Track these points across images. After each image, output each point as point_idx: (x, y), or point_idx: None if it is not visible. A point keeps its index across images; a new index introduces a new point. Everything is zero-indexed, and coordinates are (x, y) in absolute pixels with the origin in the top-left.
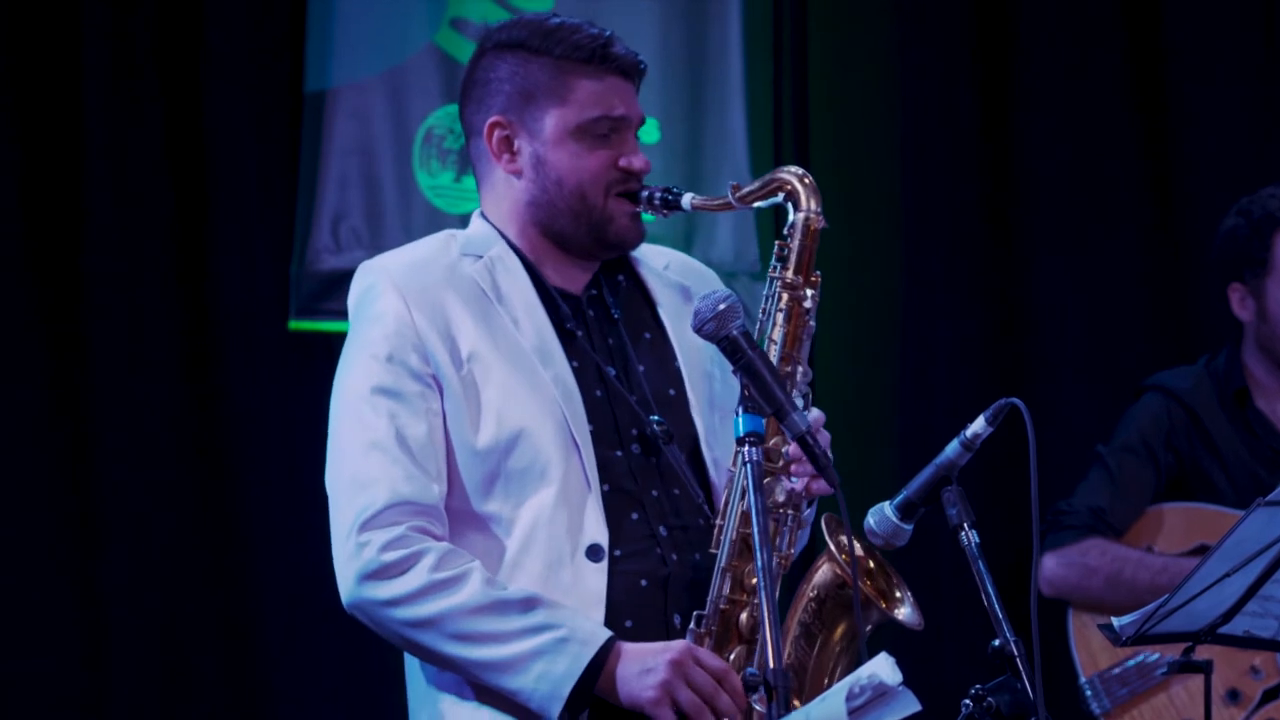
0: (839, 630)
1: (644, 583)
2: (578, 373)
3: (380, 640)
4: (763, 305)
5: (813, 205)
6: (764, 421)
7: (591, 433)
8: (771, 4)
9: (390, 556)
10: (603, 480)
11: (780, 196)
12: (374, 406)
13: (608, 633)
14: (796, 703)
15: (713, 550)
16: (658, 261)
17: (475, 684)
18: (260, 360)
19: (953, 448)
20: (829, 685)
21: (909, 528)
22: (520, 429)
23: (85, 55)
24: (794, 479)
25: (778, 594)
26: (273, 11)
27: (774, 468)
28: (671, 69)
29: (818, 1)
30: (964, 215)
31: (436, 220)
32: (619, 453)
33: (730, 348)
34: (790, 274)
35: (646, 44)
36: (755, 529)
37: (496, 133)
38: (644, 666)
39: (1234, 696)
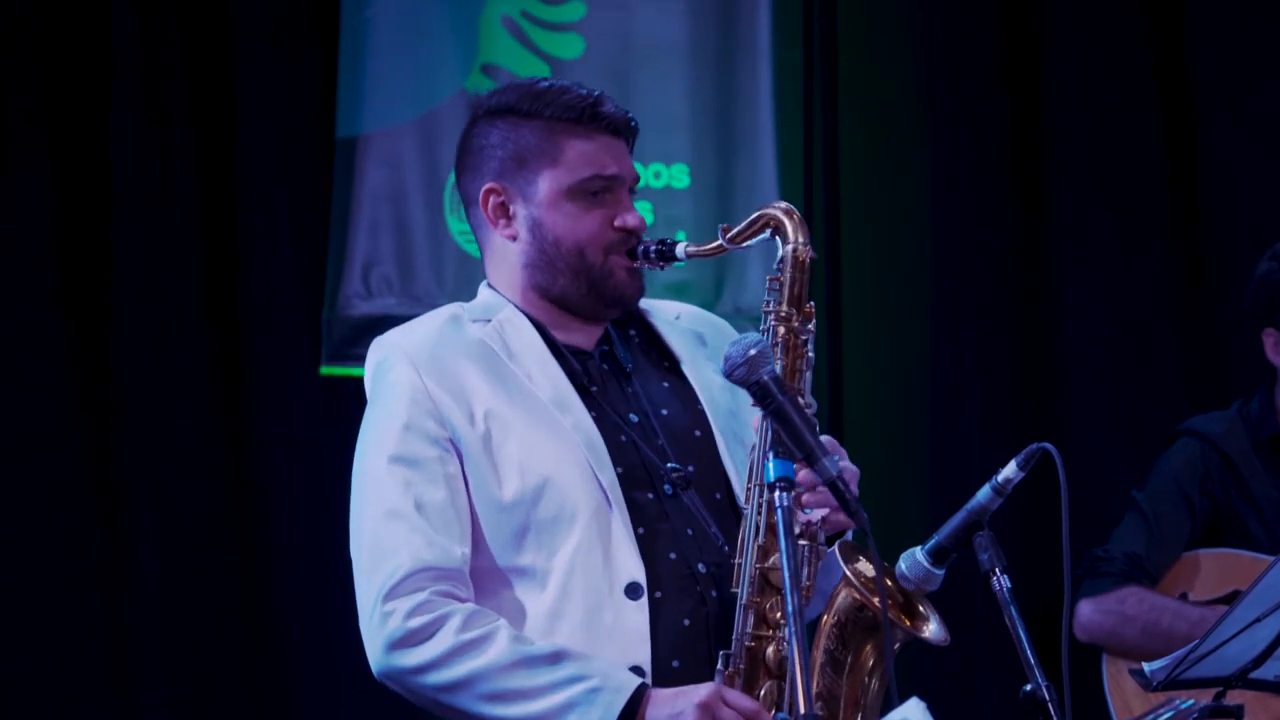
0: (864, 652)
1: (686, 622)
2: (598, 421)
3: None
4: None
5: (800, 237)
6: (794, 466)
7: (619, 475)
8: (801, 43)
9: (416, 623)
10: (636, 523)
11: (768, 232)
12: (391, 475)
13: (637, 680)
14: None
15: (733, 589)
16: (669, 312)
17: None
18: (291, 405)
19: (984, 493)
20: (863, 707)
21: (941, 573)
22: (545, 478)
23: (116, 99)
24: (808, 510)
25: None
26: (304, 58)
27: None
28: (702, 112)
29: (847, 39)
30: (995, 255)
31: (467, 266)
32: (650, 494)
33: (761, 393)
34: (784, 307)
35: (676, 89)
36: (786, 573)
37: (492, 199)
38: (674, 710)
39: None
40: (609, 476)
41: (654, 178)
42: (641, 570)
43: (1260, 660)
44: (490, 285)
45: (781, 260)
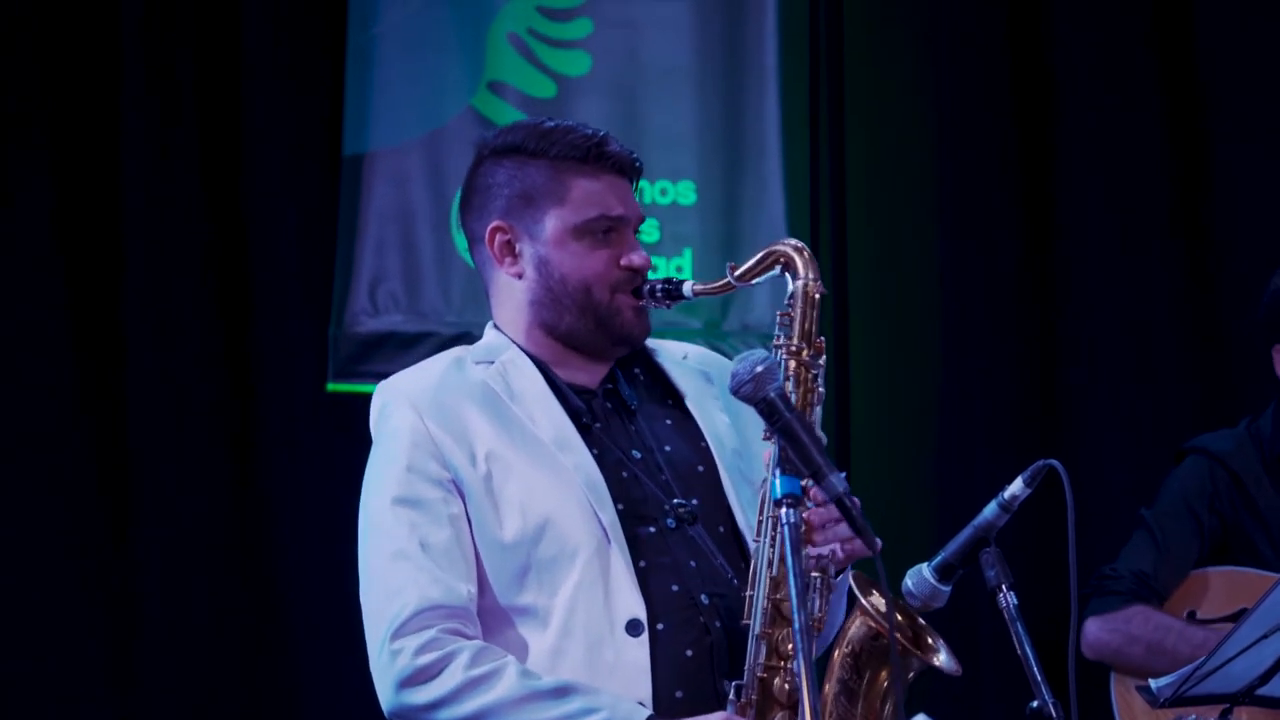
0: (879, 678)
1: (689, 653)
2: (599, 459)
3: None
4: None
5: (810, 274)
6: (800, 484)
7: (620, 512)
8: (807, 60)
9: (424, 660)
10: (636, 557)
11: (778, 269)
12: (396, 517)
13: (646, 710)
14: None
15: (745, 621)
16: (676, 352)
17: None
18: (298, 422)
19: (991, 509)
20: None
21: (947, 589)
22: (546, 518)
23: (125, 116)
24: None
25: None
26: (312, 75)
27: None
28: (708, 129)
29: (853, 57)
30: (1003, 276)
31: (474, 283)
32: (651, 529)
33: (768, 410)
34: (795, 341)
35: (683, 106)
36: (793, 591)
37: (498, 237)
38: None
39: None
40: (609, 514)
41: (660, 194)
42: (642, 607)
43: (1267, 677)
44: (495, 326)
45: (792, 296)
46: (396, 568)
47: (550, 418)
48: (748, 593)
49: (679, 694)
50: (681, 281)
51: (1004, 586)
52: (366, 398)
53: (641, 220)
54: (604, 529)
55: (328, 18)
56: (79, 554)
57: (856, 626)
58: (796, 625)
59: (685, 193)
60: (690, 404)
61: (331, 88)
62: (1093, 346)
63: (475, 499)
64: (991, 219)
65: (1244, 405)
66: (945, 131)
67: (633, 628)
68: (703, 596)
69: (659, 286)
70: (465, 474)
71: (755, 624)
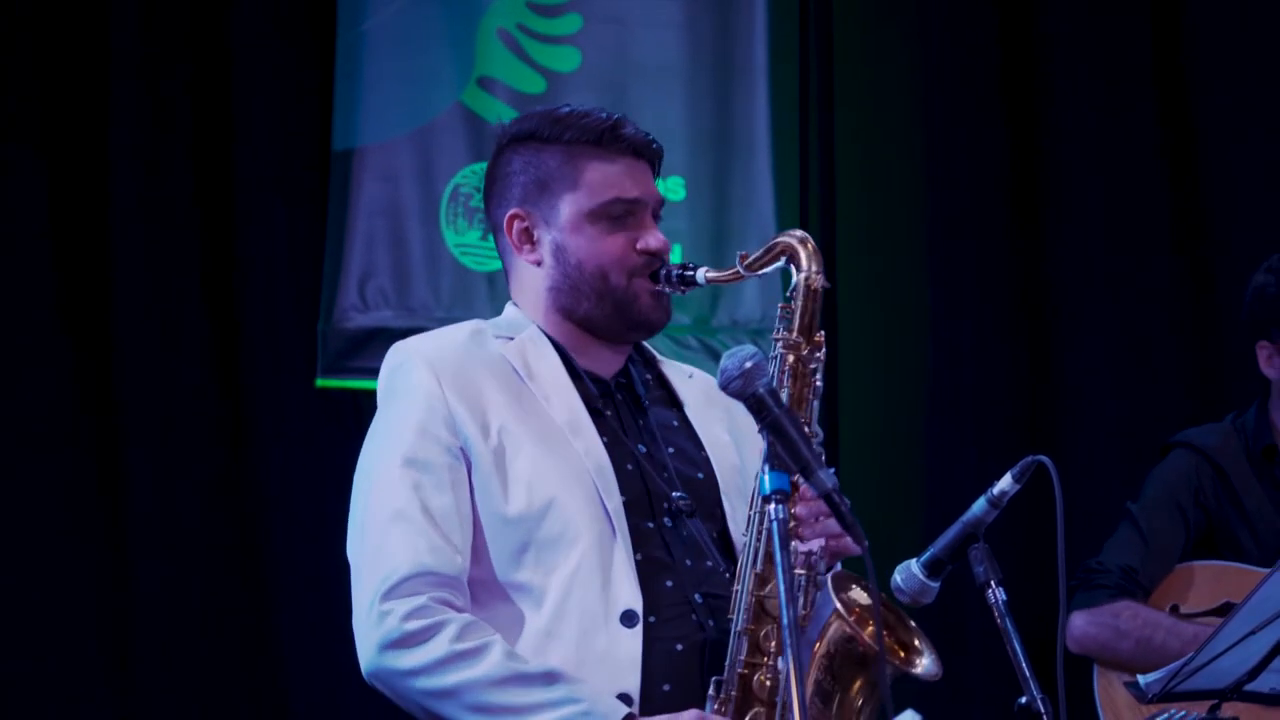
0: (855, 687)
1: (679, 647)
2: (608, 447)
3: None
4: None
5: (813, 267)
6: (789, 479)
7: (624, 503)
8: (797, 56)
9: (412, 626)
10: (636, 549)
11: (783, 260)
12: (401, 477)
13: (625, 708)
14: None
15: (729, 616)
16: (683, 370)
17: None
18: (288, 417)
19: (980, 505)
20: None
21: (936, 585)
22: (551, 498)
23: (114, 112)
24: (808, 540)
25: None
26: (301, 70)
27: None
28: (698, 125)
29: (843, 52)
30: (992, 272)
31: (463, 278)
32: (650, 523)
33: (756, 405)
34: (794, 335)
35: (673, 102)
36: (781, 585)
37: (516, 224)
38: None
39: None
40: (615, 503)
41: None
42: (639, 599)
43: (1255, 673)
44: (515, 306)
45: (794, 289)
46: (395, 528)
47: (565, 400)
48: (733, 588)
49: (666, 687)
50: (696, 268)
51: (993, 582)
52: (356, 393)
53: (661, 203)
54: (609, 517)
55: (317, 13)
56: (70, 550)
57: (833, 630)
58: (784, 621)
59: (675, 188)
60: (690, 413)
61: (321, 83)
62: (1081, 343)
63: (482, 470)
64: (981, 215)
65: (1230, 400)
66: (935, 129)
67: (628, 618)
68: (696, 595)
69: (675, 272)
70: (476, 444)
71: (738, 620)
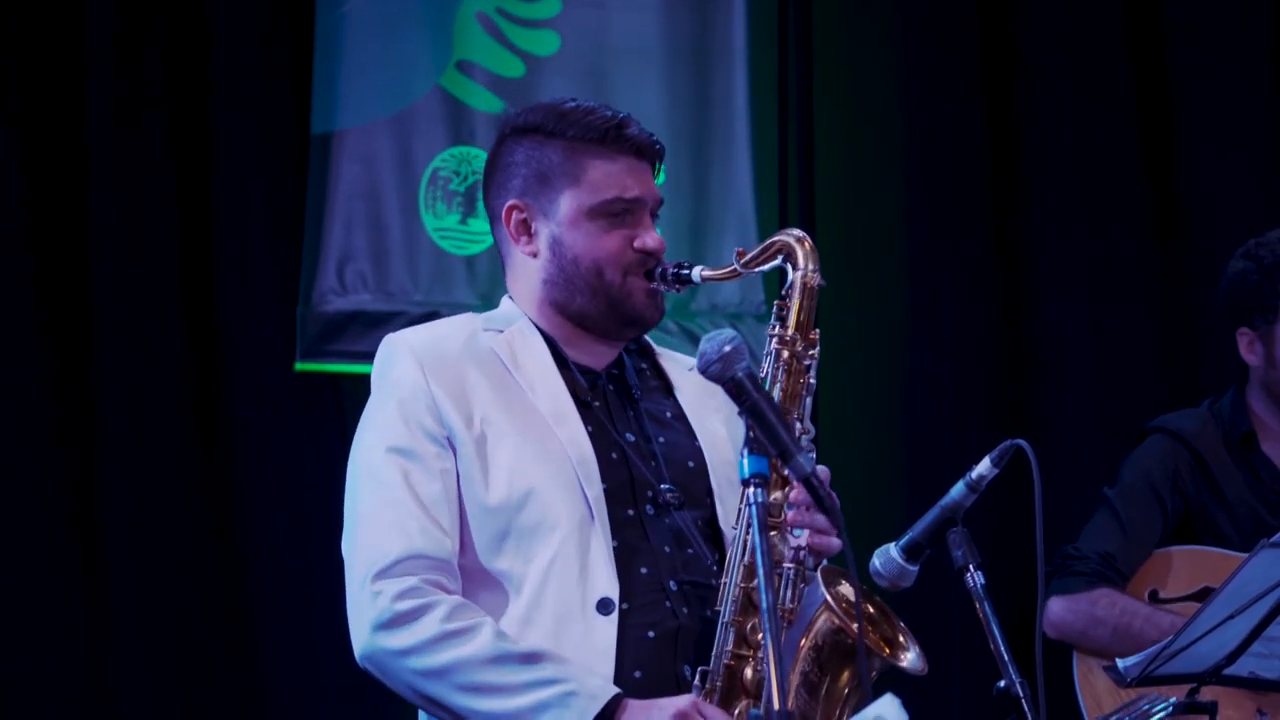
0: (841, 678)
1: (651, 634)
2: (593, 436)
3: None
4: (762, 364)
5: (810, 265)
6: (769, 463)
7: (605, 491)
8: (776, 43)
9: (403, 606)
10: (613, 536)
11: (780, 258)
12: (389, 465)
13: (614, 689)
14: None
15: (716, 608)
16: (683, 363)
17: None
18: (266, 401)
19: (958, 489)
20: None
21: (914, 569)
22: (531, 487)
23: (90, 97)
24: (797, 532)
25: (782, 640)
26: (280, 53)
27: (775, 521)
28: (677, 111)
29: (823, 39)
30: (971, 258)
31: (442, 262)
32: (631, 511)
33: (735, 389)
34: (789, 332)
35: (651, 88)
36: (760, 570)
37: (514, 215)
38: None
39: None
40: (595, 491)
41: None
42: (615, 587)
43: (1234, 657)
44: (510, 298)
45: (790, 286)
46: (386, 513)
47: (550, 390)
48: (720, 580)
49: (637, 674)
50: (691, 266)
51: (971, 566)
52: (335, 377)
53: (659, 203)
54: (589, 505)
55: None
56: (46, 537)
57: (821, 621)
58: (764, 605)
59: None
60: (685, 405)
61: (299, 66)
62: (1059, 329)
63: (466, 458)
64: (961, 203)
65: (1210, 386)
66: (914, 116)
67: (603, 606)
68: (671, 583)
69: (670, 270)
70: (459, 433)
71: (725, 611)
